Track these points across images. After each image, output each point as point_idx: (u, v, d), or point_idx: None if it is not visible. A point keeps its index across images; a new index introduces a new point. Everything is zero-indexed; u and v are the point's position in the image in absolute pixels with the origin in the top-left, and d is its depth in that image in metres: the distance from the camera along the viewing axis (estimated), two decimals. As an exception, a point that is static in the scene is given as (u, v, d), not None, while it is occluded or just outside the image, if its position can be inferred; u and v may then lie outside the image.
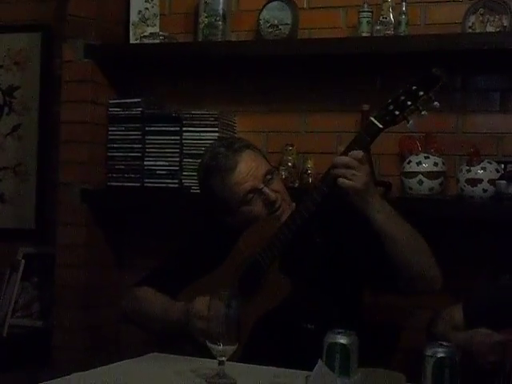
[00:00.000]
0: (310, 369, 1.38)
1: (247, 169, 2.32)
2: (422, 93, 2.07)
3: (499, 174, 2.61)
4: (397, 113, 2.10)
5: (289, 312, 2.17)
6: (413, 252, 2.17)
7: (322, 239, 2.32)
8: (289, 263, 2.21)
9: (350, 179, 2.09)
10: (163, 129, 3.07)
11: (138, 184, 3.10)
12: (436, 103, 2.09)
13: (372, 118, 2.13)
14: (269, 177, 2.33)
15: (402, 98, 2.09)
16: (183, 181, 3.03)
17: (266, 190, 2.31)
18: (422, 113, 2.09)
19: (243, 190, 2.30)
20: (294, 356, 2.01)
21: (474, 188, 2.61)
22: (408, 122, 2.11)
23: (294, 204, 2.37)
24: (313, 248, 2.31)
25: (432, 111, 2.12)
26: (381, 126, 2.11)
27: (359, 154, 2.10)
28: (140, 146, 3.10)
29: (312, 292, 2.24)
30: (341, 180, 2.09)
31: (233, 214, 2.34)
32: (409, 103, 2.08)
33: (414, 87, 2.08)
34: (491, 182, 2.60)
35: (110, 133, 3.15)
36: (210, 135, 2.99)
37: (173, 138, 3.06)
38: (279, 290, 2.17)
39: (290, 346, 2.18)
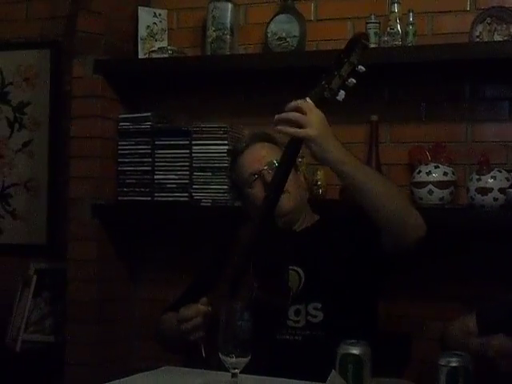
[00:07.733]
0: (323, 379, 1.38)
1: (254, 154, 2.36)
2: (342, 55, 1.98)
3: (509, 183, 2.60)
4: (326, 86, 1.98)
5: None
6: (389, 201, 2.05)
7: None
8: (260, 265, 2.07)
9: (301, 126, 1.97)
10: (173, 143, 3.08)
11: (149, 198, 3.10)
12: (360, 67, 1.97)
13: (307, 98, 2.01)
14: (276, 164, 2.28)
15: (332, 69, 1.99)
16: (193, 194, 3.03)
17: (265, 171, 2.29)
18: (349, 80, 1.98)
19: (246, 172, 2.36)
20: (299, 367, 1.98)
21: (485, 197, 2.60)
22: (337, 95, 1.98)
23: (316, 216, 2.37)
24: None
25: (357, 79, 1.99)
26: None
27: (304, 103, 2.00)
28: (150, 160, 3.11)
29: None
30: (291, 130, 1.98)
31: (242, 198, 2.42)
32: (335, 73, 1.98)
33: (341, 55, 1.99)
34: (501, 190, 2.59)
35: (119, 147, 3.17)
36: (220, 148, 3.00)
37: (182, 151, 3.06)
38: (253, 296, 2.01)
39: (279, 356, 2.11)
